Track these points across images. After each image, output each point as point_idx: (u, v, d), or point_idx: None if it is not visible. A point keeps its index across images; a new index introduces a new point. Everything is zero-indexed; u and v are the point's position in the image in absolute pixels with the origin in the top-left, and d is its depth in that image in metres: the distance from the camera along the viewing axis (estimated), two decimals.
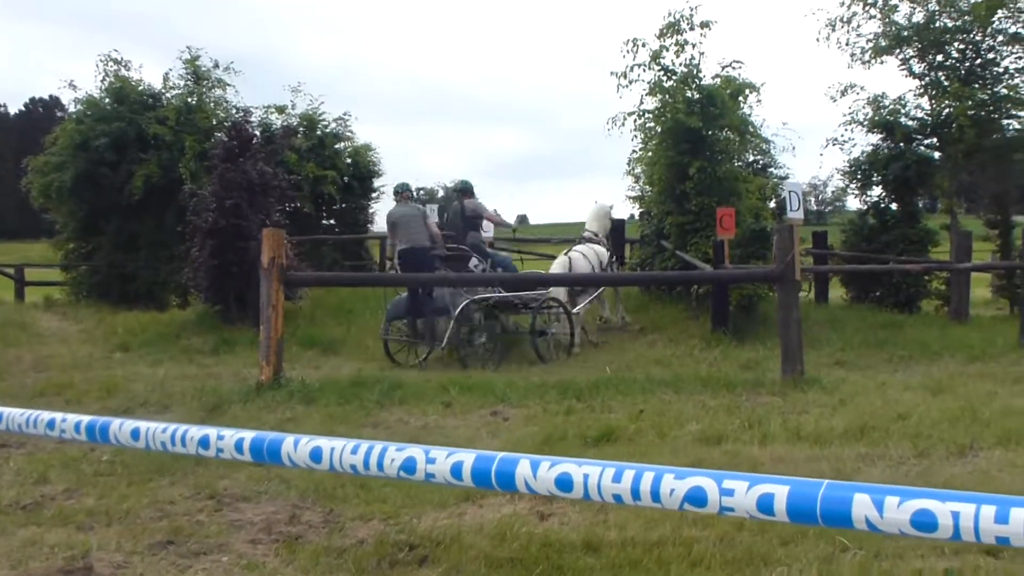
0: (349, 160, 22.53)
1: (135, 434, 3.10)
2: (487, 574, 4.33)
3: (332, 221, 22.81)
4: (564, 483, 2.27)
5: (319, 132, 22.00)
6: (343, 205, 22.55)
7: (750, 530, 4.63)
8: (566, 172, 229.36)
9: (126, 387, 10.05)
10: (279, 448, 2.78)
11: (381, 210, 23.81)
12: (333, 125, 22.45)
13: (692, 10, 14.86)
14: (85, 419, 3.27)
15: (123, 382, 10.35)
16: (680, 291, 15.36)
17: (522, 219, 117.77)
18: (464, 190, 14.34)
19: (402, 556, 4.60)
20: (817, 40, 20.39)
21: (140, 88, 20.50)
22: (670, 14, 15.00)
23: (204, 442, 2.93)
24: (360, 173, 22.65)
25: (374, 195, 23.42)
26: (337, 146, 22.36)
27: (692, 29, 14.93)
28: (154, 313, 16.35)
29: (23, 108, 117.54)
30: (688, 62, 15.10)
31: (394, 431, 7.79)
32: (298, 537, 5.01)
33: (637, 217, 19.47)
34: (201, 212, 14.58)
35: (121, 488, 5.97)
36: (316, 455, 2.70)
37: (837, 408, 8.14)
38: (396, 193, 13.84)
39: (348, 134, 22.74)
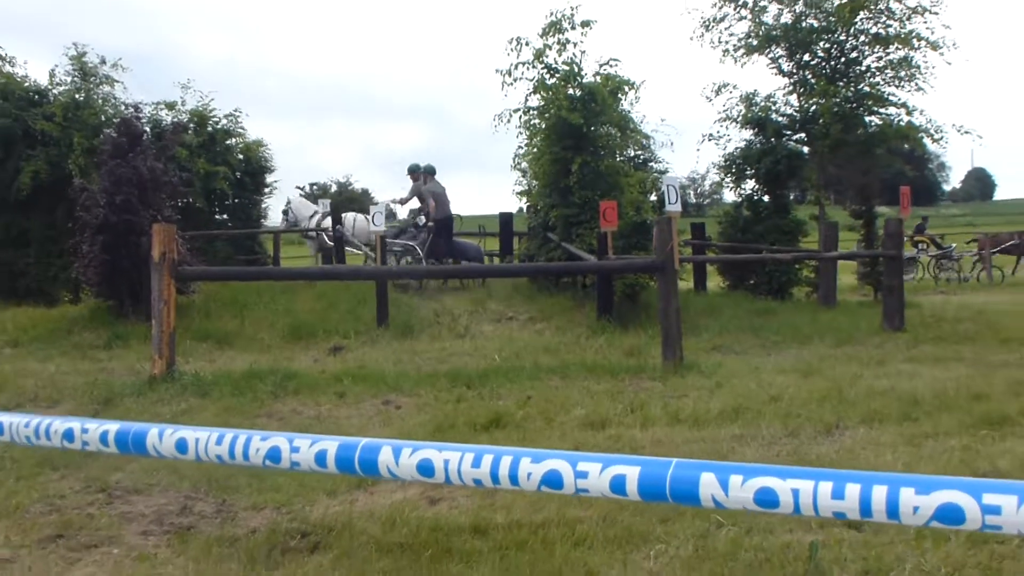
0: (241, 156, 22.05)
1: None
2: (378, 559, 4.30)
3: (225, 216, 22.31)
4: (425, 468, 2.26)
5: (210, 128, 21.46)
6: (236, 200, 22.04)
7: (631, 510, 4.70)
8: (457, 166, 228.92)
9: (15, 382, 9.63)
10: (144, 439, 2.71)
11: (274, 205, 23.51)
12: (224, 122, 21.93)
13: (573, 10, 14.95)
14: None
15: (12, 377, 9.93)
16: (567, 281, 15.48)
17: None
18: (433, 172, 17.61)
19: (294, 544, 4.55)
20: (691, 39, 20.82)
21: (25, 84, 19.68)
22: (552, 13, 15.06)
23: (68, 434, 2.83)
24: (252, 169, 22.21)
25: (266, 190, 22.99)
26: (228, 142, 21.87)
27: (573, 28, 15.03)
28: (44, 309, 15.72)
29: None
30: (570, 60, 15.18)
31: (288, 421, 7.68)
32: (190, 528, 4.93)
33: (524, 211, 19.54)
34: (91, 208, 14.08)
35: (9, 483, 5.78)
36: (181, 446, 2.63)
37: (714, 391, 8.32)
38: (430, 173, 17.36)
39: (239, 130, 22.26)
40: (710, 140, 20.37)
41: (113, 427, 2.76)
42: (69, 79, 19.86)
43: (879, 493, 1.84)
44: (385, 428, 7.29)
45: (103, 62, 20.08)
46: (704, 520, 4.55)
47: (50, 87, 19.87)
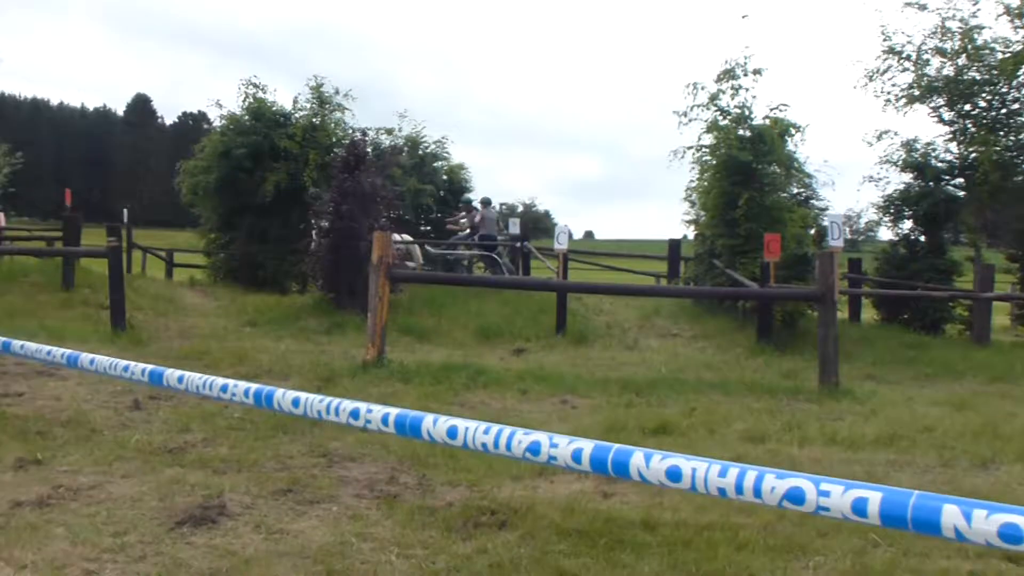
0: (445, 177, 22.70)
1: (296, 402, 3.10)
2: (557, 542, 4.27)
3: (428, 228, 22.99)
4: (674, 475, 2.20)
5: (421, 152, 22.22)
6: (439, 214, 22.71)
7: (791, 520, 4.50)
8: (628, 195, 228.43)
9: (254, 357, 10.13)
10: (420, 424, 2.75)
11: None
12: (433, 146, 22.69)
13: (746, 59, 14.80)
14: (253, 386, 3.28)
15: (251, 352, 10.46)
16: (728, 305, 15.12)
17: (589, 234, 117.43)
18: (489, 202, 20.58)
19: (484, 519, 4.57)
20: (855, 88, 20.00)
21: (274, 108, 20.81)
22: (727, 62, 14.97)
23: (355, 414, 2.92)
24: (454, 188, 22.85)
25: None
26: (435, 164, 22.58)
27: (746, 75, 14.87)
28: (278, 296, 16.57)
29: (177, 120, 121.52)
30: (742, 104, 14.99)
31: (477, 411, 7.74)
32: (396, 495, 5.02)
33: (691, 238, 19.25)
34: (321, 214, 14.77)
35: (249, 441, 6.08)
36: (452, 432, 2.67)
37: (868, 417, 7.87)
38: (486, 204, 19.68)
39: (445, 154, 22.97)
40: (870, 181, 19.53)
41: (393, 411, 2.84)
42: (309, 105, 20.89)
43: None
44: (563, 424, 7.26)
45: (337, 92, 21.05)
46: (861, 538, 4.31)
47: (293, 111, 20.95)
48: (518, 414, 7.67)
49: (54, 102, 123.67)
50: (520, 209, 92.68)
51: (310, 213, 15.18)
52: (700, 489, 2.14)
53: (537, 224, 77.81)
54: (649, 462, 2.24)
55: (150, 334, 11.89)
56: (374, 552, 4.08)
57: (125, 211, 25.21)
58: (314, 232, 16.12)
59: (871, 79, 19.61)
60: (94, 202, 78.96)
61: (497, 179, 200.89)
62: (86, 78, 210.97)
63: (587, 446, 2.36)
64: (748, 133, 14.73)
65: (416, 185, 20.85)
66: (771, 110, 15.14)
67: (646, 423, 7.15)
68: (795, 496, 2.02)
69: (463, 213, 20.98)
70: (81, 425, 6.36)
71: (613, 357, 12.05)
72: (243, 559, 3.93)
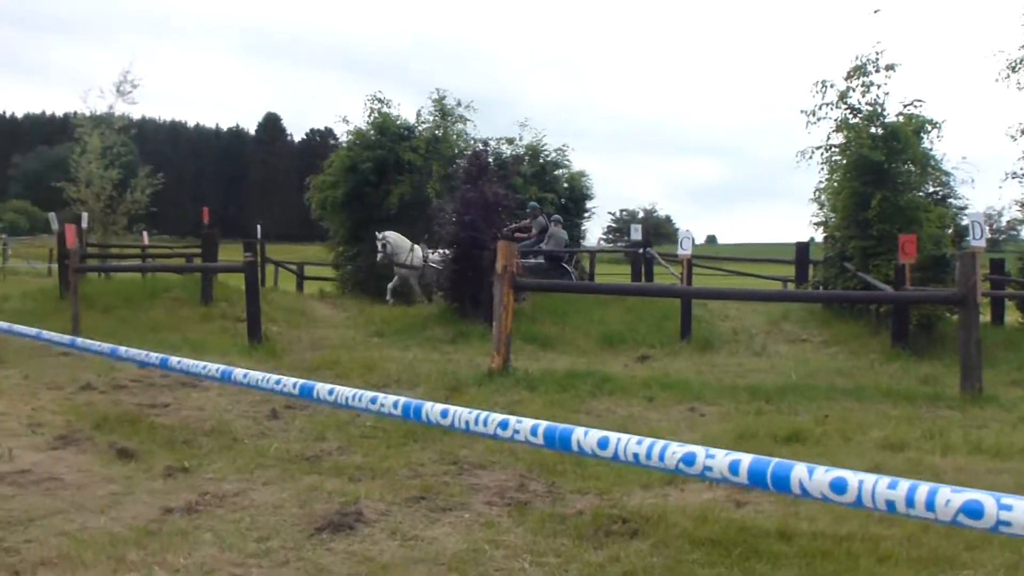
0: (566, 185, 22.73)
1: (444, 414, 3.16)
2: (691, 551, 4.21)
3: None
4: (839, 487, 2.14)
5: (541, 160, 22.32)
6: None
7: (936, 532, 4.31)
8: (751, 198, 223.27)
9: (382, 366, 10.35)
10: (569, 437, 2.77)
11: (591, 228, 24.04)
12: (553, 154, 22.75)
13: (878, 54, 14.34)
14: (401, 400, 3.36)
15: (380, 362, 10.69)
16: (860, 309, 14.62)
17: (711, 239, 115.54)
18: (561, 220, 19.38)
19: (616, 528, 4.54)
20: (997, 80, 18.97)
21: (398, 122, 21.33)
22: (857, 58, 14.55)
23: (504, 424, 2.96)
24: (575, 196, 22.84)
25: (586, 215, 23.63)
26: (556, 172, 22.63)
27: (878, 71, 14.43)
28: (404, 307, 16.92)
29: (304, 136, 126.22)
30: (873, 101, 14.53)
31: (604, 418, 7.71)
32: (526, 503, 5.04)
33: (820, 241, 18.70)
34: (444, 225, 15.02)
35: (382, 449, 6.22)
36: (603, 443, 2.66)
37: (1016, 425, 7.45)
38: (557, 223, 18.56)
39: (566, 162, 23.00)
40: (1013, 178, 18.51)
41: (542, 425, 2.86)
42: (431, 118, 21.36)
43: None
44: (692, 433, 7.14)
45: (459, 104, 21.46)
46: (1015, 552, 4.09)
47: (416, 124, 21.43)
48: (645, 422, 7.59)
49: (191, 124, 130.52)
50: (640, 215, 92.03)
51: (435, 224, 15.48)
52: (866, 502, 2.06)
53: (658, 230, 77.04)
54: (812, 475, 2.18)
55: (284, 346, 12.34)
56: (507, 560, 4.12)
57: (259, 227, 26.28)
58: (379, 244, 16.53)
59: (1014, 70, 18.56)
60: (230, 219, 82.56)
61: (617, 185, 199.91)
62: (220, 100, 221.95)
63: (744, 459, 2.31)
64: (880, 131, 14.30)
65: (537, 194, 20.96)
66: (905, 106, 14.66)
67: (778, 431, 6.98)
68: (973, 511, 1.92)
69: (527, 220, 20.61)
70: (223, 434, 6.66)
71: (740, 363, 11.81)
72: (380, 565, 4.03)
